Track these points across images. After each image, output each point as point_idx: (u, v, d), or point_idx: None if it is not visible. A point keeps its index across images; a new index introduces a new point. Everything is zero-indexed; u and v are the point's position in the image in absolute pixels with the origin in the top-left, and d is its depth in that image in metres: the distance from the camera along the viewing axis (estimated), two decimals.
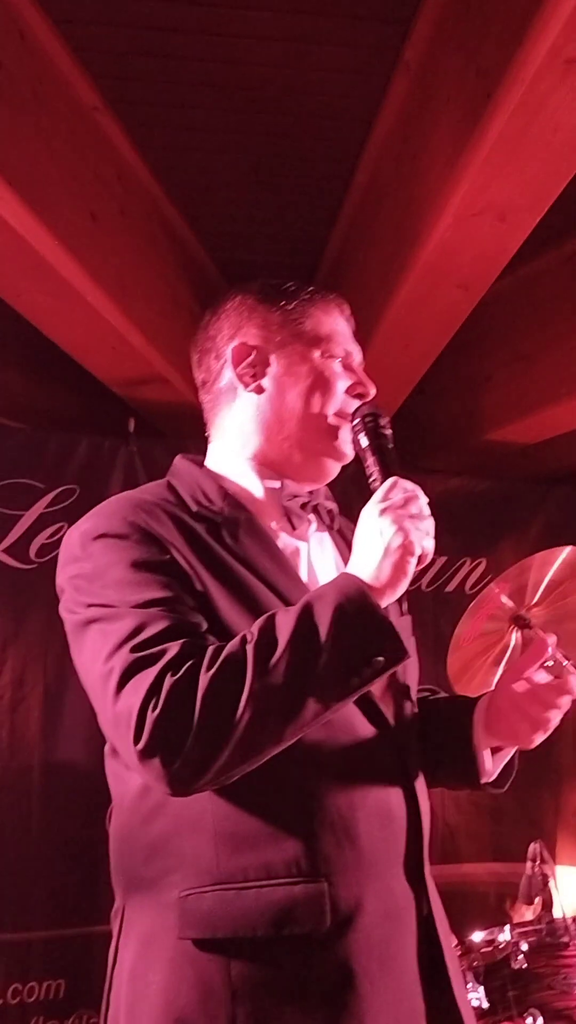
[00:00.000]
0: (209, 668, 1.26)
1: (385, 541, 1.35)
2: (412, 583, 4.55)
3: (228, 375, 1.60)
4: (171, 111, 3.23)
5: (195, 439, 4.45)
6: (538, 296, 4.04)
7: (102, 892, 3.62)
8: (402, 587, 1.36)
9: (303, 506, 1.57)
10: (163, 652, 1.28)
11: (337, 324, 1.62)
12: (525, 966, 2.42)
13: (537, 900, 2.62)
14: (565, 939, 2.44)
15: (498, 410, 4.28)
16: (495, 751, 1.55)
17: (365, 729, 1.41)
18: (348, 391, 1.58)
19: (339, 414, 1.57)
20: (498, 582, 3.23)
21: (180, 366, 3.84)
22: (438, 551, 5.09)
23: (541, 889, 2.61)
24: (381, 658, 1.29)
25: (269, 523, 1.54)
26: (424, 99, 2.90)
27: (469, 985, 2.44)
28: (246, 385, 1.58)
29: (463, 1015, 1.39)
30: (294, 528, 1.56)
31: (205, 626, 1.36)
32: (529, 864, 2.68)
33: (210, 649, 1.30)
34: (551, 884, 2.60)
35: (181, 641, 1.29)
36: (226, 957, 1.29)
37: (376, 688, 1.40)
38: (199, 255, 4.02)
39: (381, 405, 4.48)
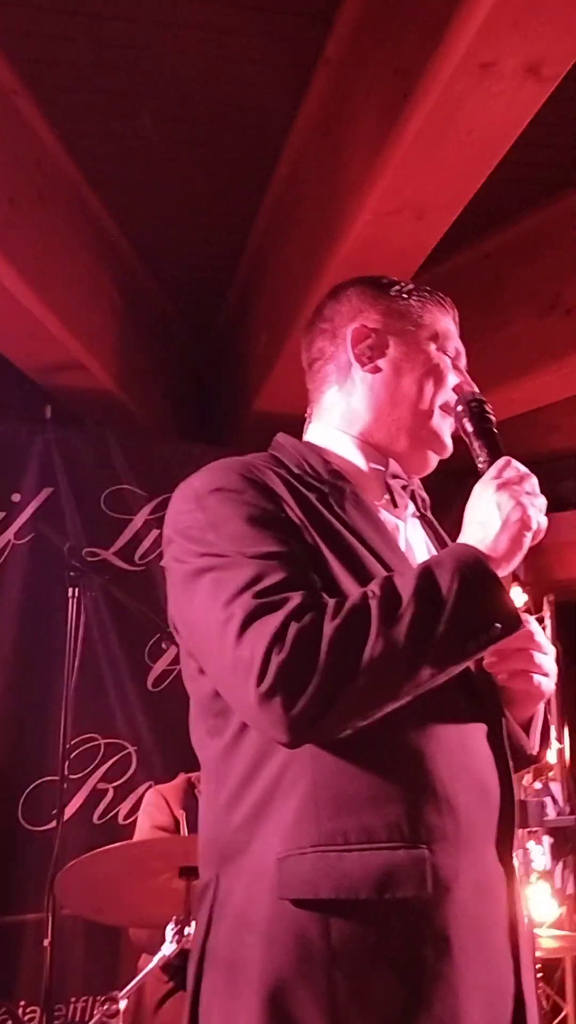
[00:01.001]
0: (334, 618, 1.29)
1: (503, 514, 1.37)
2: None
3: (344, 355, 1.62)
4: (92, 97, 3.21)
5: (113, 426, 4.43)
6: (455, 293, 4.08)
7: (15, 883, 3.60)
8: (517, 560, 1.38)
9: (403, 488, 1.61)
10: (286, 600, 1.30)
11: (450, 325, 1.66)
12: None
13: None
14: None
15: None
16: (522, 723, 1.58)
17: (465, 704, 1.43)
18: (455, 388, 1.62)
19: (445, 407, 1.60)
20: None
21: (99, 353, 3.82)
22: None
23: None
24: (499, 625, 1.32)
25: (371, 499, 1.56)
26: (344, 95, 2.93)
27: None
28: (363, 365, 1.61)
29: (527, 1001, 1.40)
30: (395, 506, 1.59)
31: (320, 583, 1.37)
32: None
33: (332, 602, 1.32)
34: None
35: (301, 592, 1.31)
36: (326, 918, 1.29)
37: (471, 664, 1.43)
38: (120, 243, 4.00)
39: (300, 398, 4.50)
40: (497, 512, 1.38)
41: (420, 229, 2.94)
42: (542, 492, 1.53)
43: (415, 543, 1.58)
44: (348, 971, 1.28)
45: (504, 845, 1.41)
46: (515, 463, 1.44)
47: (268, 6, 2.88)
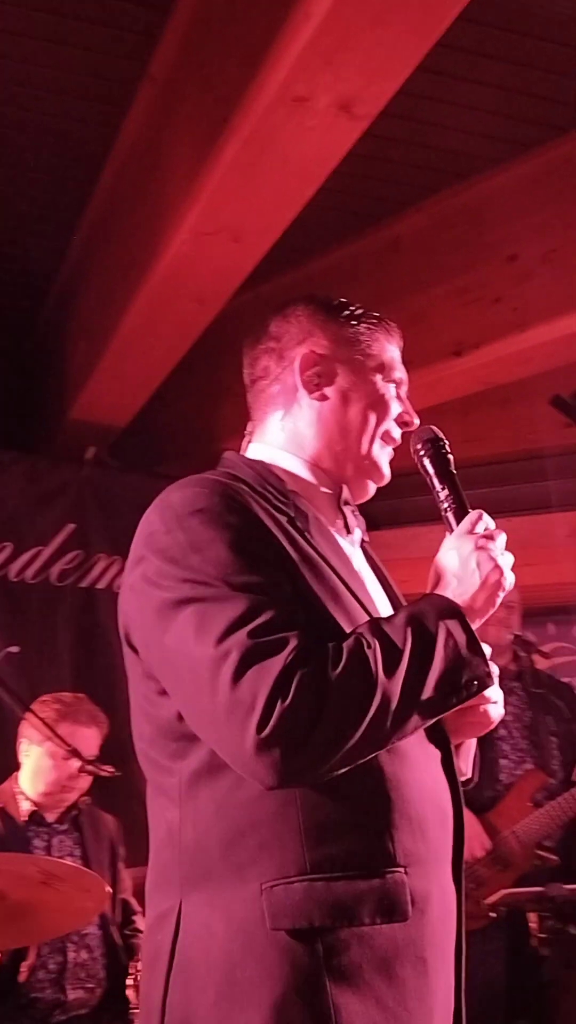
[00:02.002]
0: (334, 667, 1.28)
1: (483, 574, 1.42)
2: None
3: (291, 379, 1.60)
4: None
5: None
6: None
7: None
8: (486, 617, 1.44)
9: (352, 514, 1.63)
10: (283, 641, 1.27)
11: (396, 353, 1.65)
12: None
13: None
14: None
15: (235, 421, 4.33)
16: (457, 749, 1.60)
17: (426, 732, 1.45)
18: (396, 418, 1.62)
19: (386, 437, 1.61)
20: None
21: None
22: None
23: None
24: (476, 682, 1.36)
25: (328, 524, 1.56)
26: (167, 113, 2.94)
27: None
28: (310, 392, 1.59)
29: (464, 1018, 1.46)
30: (348, 532, 1.60)
31: (304, 614, 1.36)
32: None
33: (330, 647, 1.31)
34: None
35: (296, 632, 1.29)
36: (321, 946, 1.30)
37: None
38: None
39: (118, 409, 4.47)
40: (477, 571, 1.43)
41: (238, 251, 2.98)
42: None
43: (363, 571, 1.60)
44: (348, 996, 1.30)
45: (457, 866, 1.46)
46: (486, 517, 1.50)
47: (94, 18, 2.87)
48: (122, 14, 2.85)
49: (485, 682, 1.38)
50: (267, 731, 1.23)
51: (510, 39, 2.89)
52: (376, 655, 1.31)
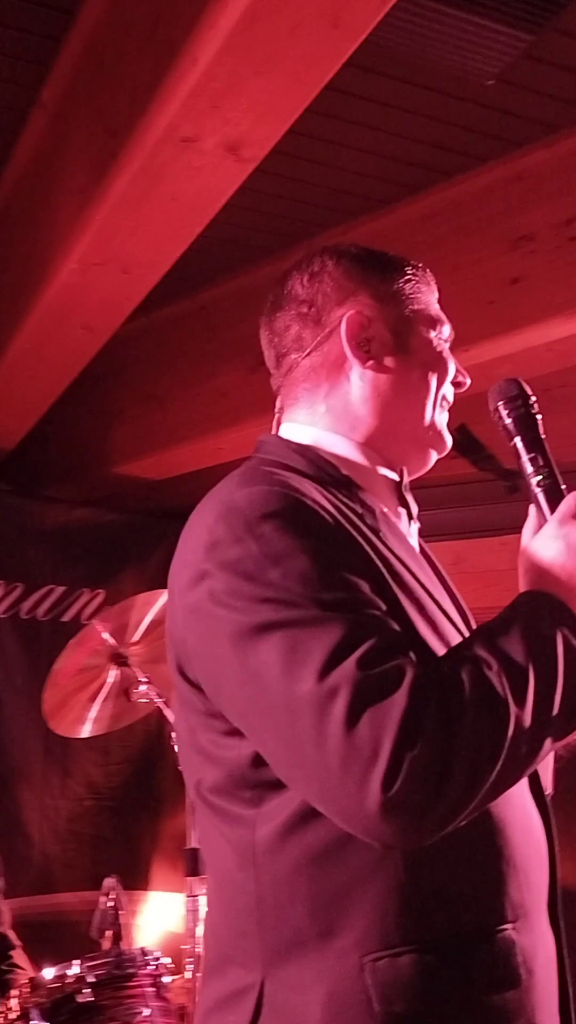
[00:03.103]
0: (459, 698, 1.09)
1: None
2: (28, 612, 4.47)
3: (336, 347, 1.39)
4: None
5: None
6: (171, 340, 4.19)
7: None
8: None
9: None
10: (399, 672, 1.07)
11: (436, 302, 1.48)
12: (91, 999, 2.48)
13: (108, 933, 2.71)
14: (132, 970, 2.53)
15: (126, 445, 4.38)
16: None
17: None
18: (453, 382, 1.46)
19: (444, 402, 1.44)
20: (100, 619, 3.33)
21: None
22: (57, 580, 5.06)
23: (112, 923, 2.70)
24: None
25: (393, 518, 1.38)
26: (58, 142, 2.94)
27: (32, 1023, 2.47)
28: (362, 361, 1.39)
29: None
30: (411, 521, 1.42)
31: (404, 632, 1.18)
32: (102, 899, 2.76)
33: (445, 671, 1.11)
34: (122, 917, 2.70)
35: (409, 659, 1.10)
36: None
37: None
38: None
39: (5, 432, 4.44)
40: None
41: (127, 282, 3.00)
42: None
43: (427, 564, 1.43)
44: None
45: (554, 909, 1.29)
46: None
47: None
48: (14, 42, 2.84)
49: None
50: (396, 788, 1.04)
51: (398, 87, 2.97)
52: (501, 679, 1.11)
